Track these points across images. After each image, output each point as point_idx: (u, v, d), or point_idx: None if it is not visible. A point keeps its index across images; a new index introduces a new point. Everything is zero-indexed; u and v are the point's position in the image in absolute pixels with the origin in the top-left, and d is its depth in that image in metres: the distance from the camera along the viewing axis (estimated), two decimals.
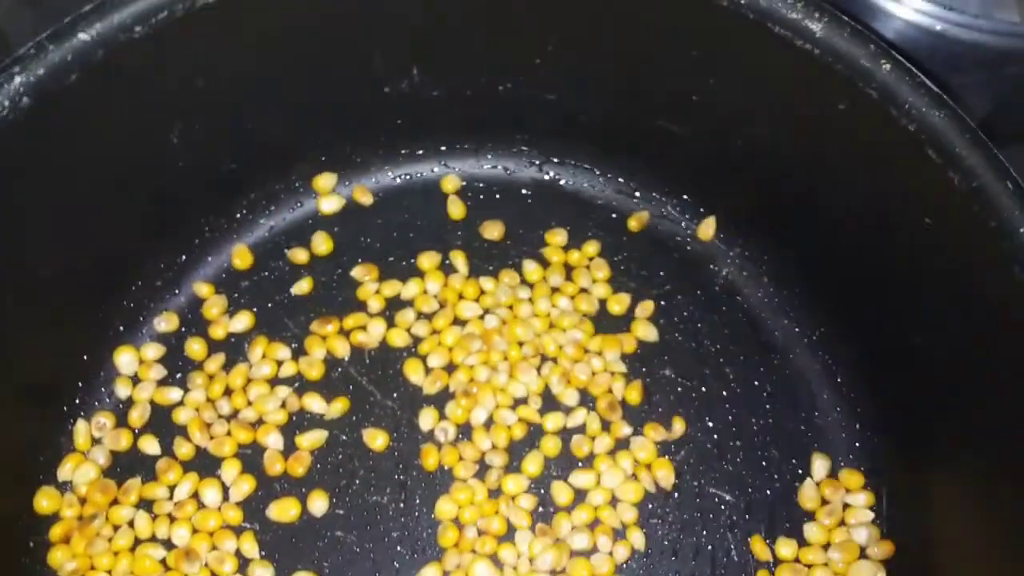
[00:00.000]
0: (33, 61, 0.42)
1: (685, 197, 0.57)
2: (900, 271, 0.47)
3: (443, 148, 0.58)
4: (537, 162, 0.58)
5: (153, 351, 0.53)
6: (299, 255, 0.56)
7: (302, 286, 0.55)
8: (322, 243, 0.56)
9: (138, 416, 0.51)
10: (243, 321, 0.54)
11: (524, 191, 0.58)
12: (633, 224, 0.56)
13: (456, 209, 0.57)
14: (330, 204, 0.57)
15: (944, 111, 0.41)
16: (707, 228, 0.56)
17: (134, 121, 0.47)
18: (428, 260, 0.56)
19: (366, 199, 0.57)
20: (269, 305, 0.55)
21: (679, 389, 0.53)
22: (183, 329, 0.54)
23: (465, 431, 0.52)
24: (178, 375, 0.53)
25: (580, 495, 0.51)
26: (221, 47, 0.47)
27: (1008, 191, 0.40)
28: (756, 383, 0.53)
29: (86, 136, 0.45)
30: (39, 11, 0.41)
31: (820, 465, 0.51)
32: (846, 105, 0.44)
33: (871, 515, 0.49)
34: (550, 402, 0.52)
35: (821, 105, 0.45)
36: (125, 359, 0.52)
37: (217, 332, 0.54)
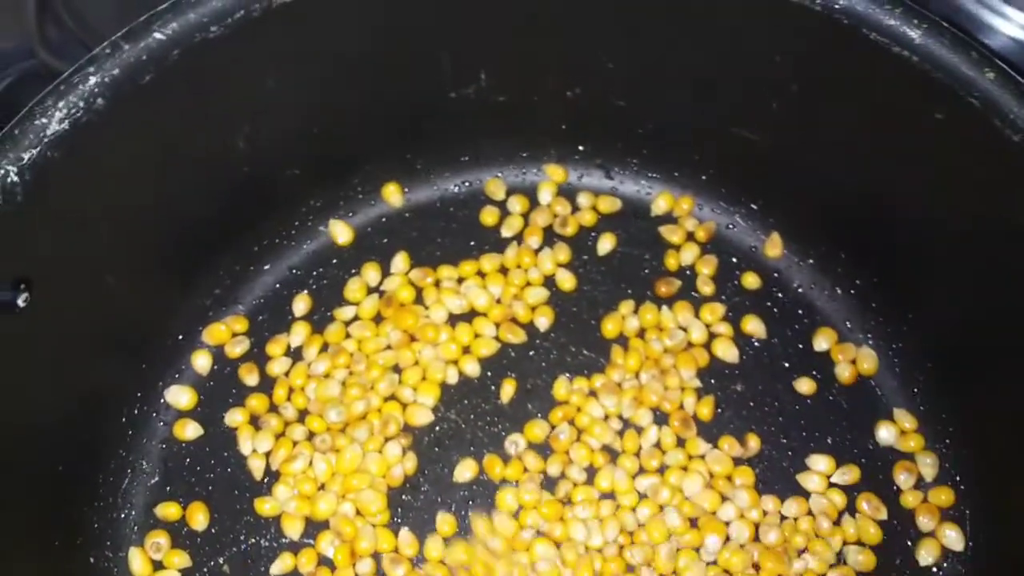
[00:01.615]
0: (108, 61, 0.41)
1: (753, 207, 0.55)
2: (993, 286, 0.45)
3: (506, 156, 0.56)
4: (602, 169, 0.56)
5: (203, 362, 0.52)
6: (359, 260, 0.54)
7: (358, 294, 0.54)
8: (378, 247, 0.55)
9: None
10: (300, 334, 0.53)
11: (585, 200, 0.56)
12: (700, 235, 0.55)
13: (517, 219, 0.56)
14: (390, 210, 0.56)
15: None
16: (774, 246, 0.55)
17: (204, 122, 0.46)
18: (489, 262, 0.54)
19: (426, 205, 0.56)
20: (328, 313, 0.53)
21: (751, 404, 0.51)
22: (242, 336, 0.53)
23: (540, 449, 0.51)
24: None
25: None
26: (293, 49, 0.46)
27: None
28: (831, 398, 0.51)
29: (156, 138, 0.44)
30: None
31: (905, 479, 0.49)
32: (944, 115, 0.42)
33: (960, 542, 0.48)
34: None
35: (917, 114, 0.43)
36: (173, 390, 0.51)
37: (275, 350, 0.52)
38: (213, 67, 0.44)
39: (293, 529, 0.48)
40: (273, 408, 0.51)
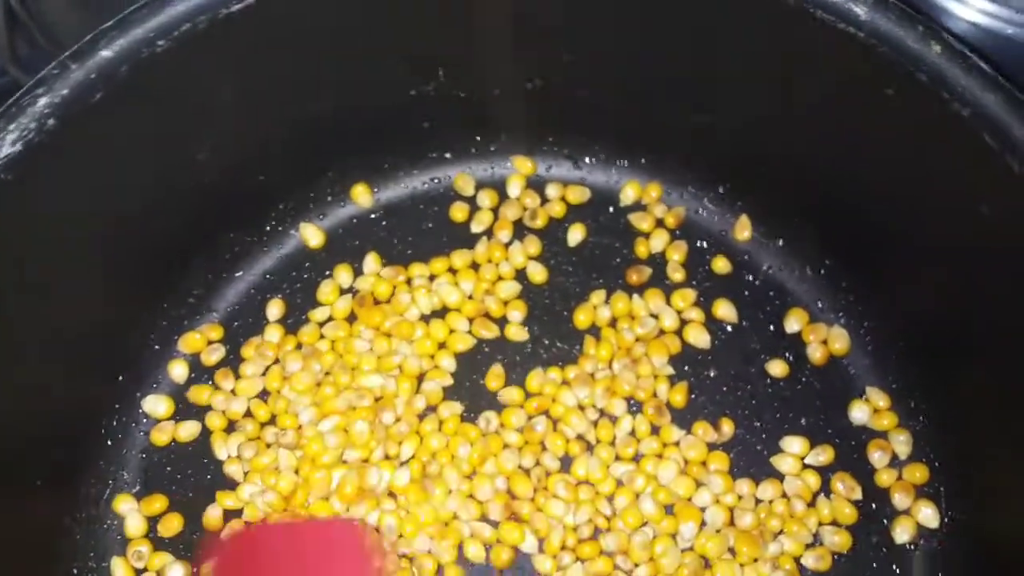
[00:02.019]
0: (57, 81, 0.41)
1: (720, 191, 0.55)
2: (955, 260, 0.45)
3: (473, 150, 0.56)
4: (569, 160, 0.56)
5: (180, 371, 0.53)
6: (331, 262, 0.55)
7: (331, 296, 0.54)
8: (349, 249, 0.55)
9: None
10: (275, 338, 0.53)
11: (554, 191, 0.56)
12: (670, 221, 0.55)
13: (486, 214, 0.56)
14: (360, 210, 0.56)
15: (999, 93, 0.39)
16: (743, 229, 0.54)
17: (161, 136, 0.46)
18: (460, 259, 0.55)
19: (396, 204, 0.56)
20: (303, 317, 0.54)
21: (724, 389, 0.51)
22: (217, 344, 0.53)
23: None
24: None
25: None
26: (245, 57, 0.46)
27: None
28: (803, 379, 0.51)
29: (112, 155, 0.45)
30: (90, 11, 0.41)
31: (879, 458, 0.49)
32: (894, 90, 0.42)
33: (935, 519, 0.48)
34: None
35: (866, 91, 0.43)
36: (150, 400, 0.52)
37: (248, 352, 0.53)
38: (164, 81, 0.44)
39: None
40: (248, 413, 0.51)
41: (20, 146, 0.41)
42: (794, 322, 0.52)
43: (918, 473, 0.48)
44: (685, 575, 0.47)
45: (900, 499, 0.48)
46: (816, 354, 0.51)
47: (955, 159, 0.42)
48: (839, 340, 0.51)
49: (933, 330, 0.49)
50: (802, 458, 0.49)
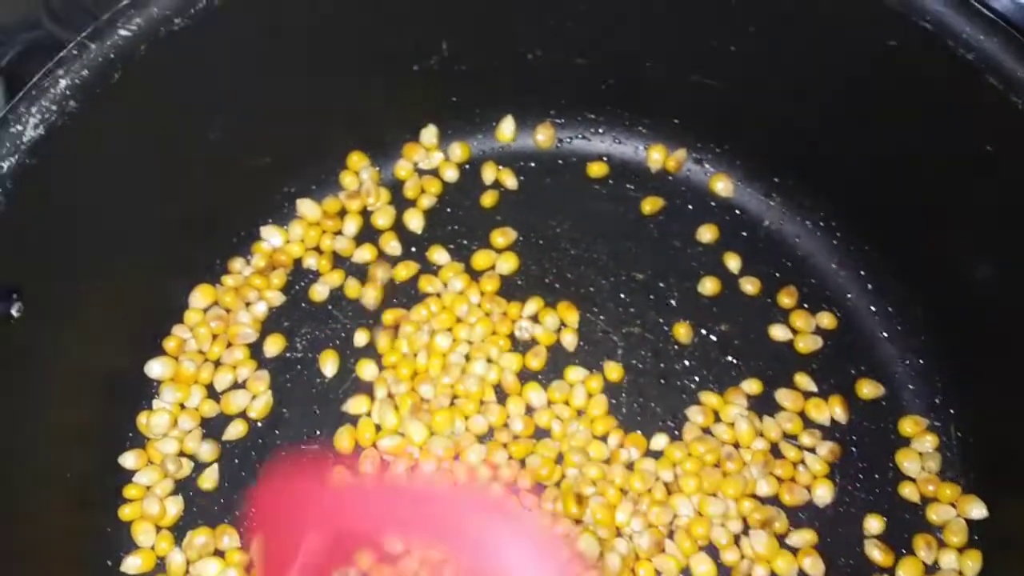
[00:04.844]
0: (76, 62, 0.41)
1: (718, 150, 0.57)
2: (959, 202, 0.47)
3: (476, 123, 0.57)
4: (574, 128, 0.57)
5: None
6: (340, 242, 0.55)
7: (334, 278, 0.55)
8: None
9: None
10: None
11: (560, 161, 0.57)
12: (671, 165, 0.57)
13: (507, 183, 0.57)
14: (363, 188, 0.56)
15: (999, 36, 0.41)
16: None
17: (177, 116, 0.46)
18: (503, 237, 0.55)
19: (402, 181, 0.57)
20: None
21: (736, 342, 0.53)
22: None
23: None
24: None
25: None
26: (257, 35, 0.46)
27: None
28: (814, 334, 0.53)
29: (130, 136, 0.44)
30: None
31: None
32: (898, 41, 0.44)
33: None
34: None
35: (870, 43, 0.45)
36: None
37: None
38: (180, 60, 0.44)
39: None
40: None
41: (43, 130, 0.40)
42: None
43: None
44: None
45: None
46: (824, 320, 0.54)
47: (960, 103, 0.44)
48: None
49: (942, 283, 0.50)
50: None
